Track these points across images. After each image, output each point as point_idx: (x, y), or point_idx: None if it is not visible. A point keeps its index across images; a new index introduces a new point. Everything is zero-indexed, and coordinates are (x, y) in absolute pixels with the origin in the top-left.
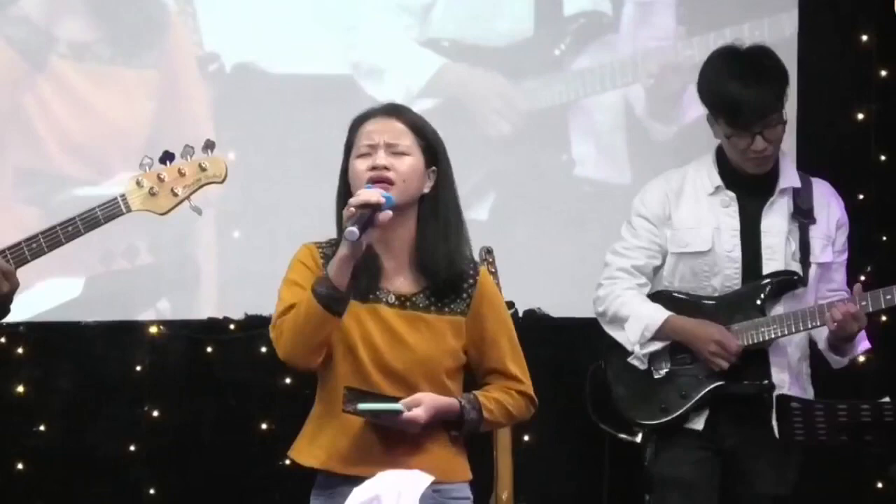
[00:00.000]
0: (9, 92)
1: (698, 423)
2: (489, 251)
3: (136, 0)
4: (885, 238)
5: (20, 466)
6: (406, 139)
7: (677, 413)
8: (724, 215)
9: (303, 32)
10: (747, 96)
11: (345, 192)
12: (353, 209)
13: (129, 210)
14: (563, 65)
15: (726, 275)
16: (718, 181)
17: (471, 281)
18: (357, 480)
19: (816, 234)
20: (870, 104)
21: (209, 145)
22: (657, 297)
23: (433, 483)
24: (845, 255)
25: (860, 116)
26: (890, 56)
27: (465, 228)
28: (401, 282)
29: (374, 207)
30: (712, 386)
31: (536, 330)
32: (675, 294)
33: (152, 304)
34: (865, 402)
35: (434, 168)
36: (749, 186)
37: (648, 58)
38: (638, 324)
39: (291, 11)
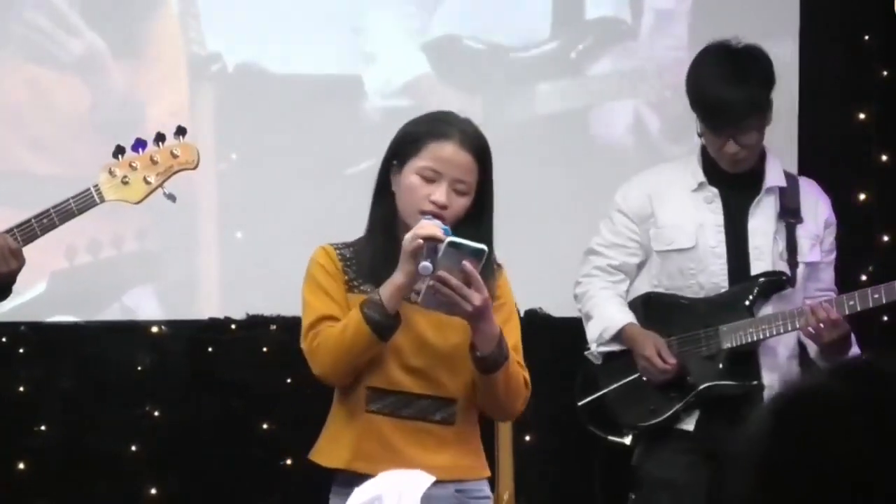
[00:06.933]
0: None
1: (689, 424)
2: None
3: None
4: (886, 238)
5: (21, 466)
6: (471, 177)
7: (666, 415)
8: (708, 211)
9: (306, 32)
10: (723, 98)
11: (384, 189)
12: (420, 241)
13: (102, 200)
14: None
15: (711, 271)
16: (702, 177)
17: (490, 281)
18: None
19: (804, 233)
20: (871, 104)
21: (180, 131)
22: (647, 300)
23: (455, 482)
24: (833, 255)
25: (861, 116)
26: (891, 56)
27: (491, 237)
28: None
29: (437, 241)
30: (700, 388)
31: (537, 330)
32: (665, 295)
33: (153, 304)
34: None
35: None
36: (733, 183)
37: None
38: (599, 324)
39: (294, 11)
